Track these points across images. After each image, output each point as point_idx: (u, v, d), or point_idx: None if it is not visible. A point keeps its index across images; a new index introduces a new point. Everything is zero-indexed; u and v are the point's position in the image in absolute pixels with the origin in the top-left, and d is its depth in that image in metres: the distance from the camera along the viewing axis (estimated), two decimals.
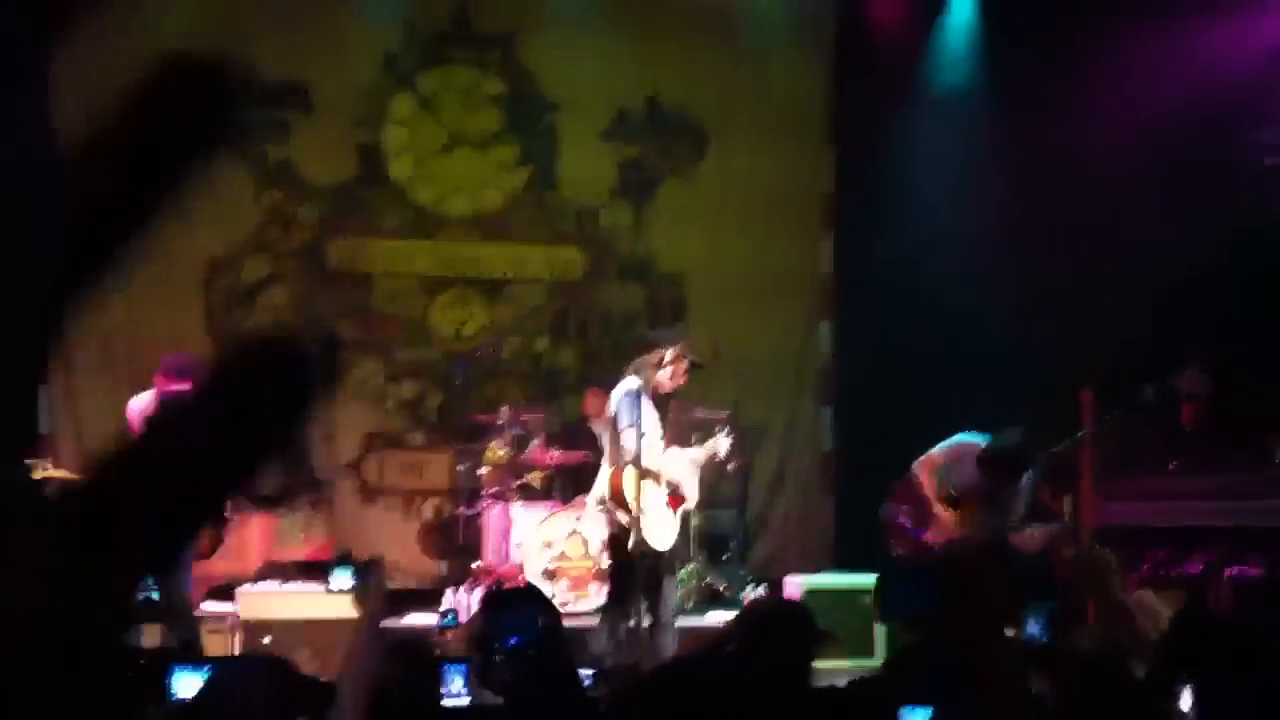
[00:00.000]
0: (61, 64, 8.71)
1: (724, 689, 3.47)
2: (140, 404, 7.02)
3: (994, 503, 6.89)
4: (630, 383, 6.09)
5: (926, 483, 7.00)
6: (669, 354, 6.17)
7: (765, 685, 3.44)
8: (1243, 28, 8.37)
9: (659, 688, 3.50)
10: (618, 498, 6.02)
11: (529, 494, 8.24)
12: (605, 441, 6.34)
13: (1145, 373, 7.70)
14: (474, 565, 8.01)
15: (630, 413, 5.97)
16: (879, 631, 7.37)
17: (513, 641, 3.29)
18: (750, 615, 4.11)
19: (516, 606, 3.45)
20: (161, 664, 3.60)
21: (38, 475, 7.32)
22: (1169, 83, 8.17)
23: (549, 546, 7.80)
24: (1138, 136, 8.26)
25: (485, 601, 3.46)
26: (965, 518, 6.92)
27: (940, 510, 6.95)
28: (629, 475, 5.95)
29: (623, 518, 6.02)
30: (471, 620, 6.63)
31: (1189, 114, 8.14)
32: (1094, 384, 7.93)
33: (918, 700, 3.23)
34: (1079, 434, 7.74)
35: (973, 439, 7.02)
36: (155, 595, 5.69)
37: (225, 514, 7.16)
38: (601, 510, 6.30)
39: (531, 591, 3.50)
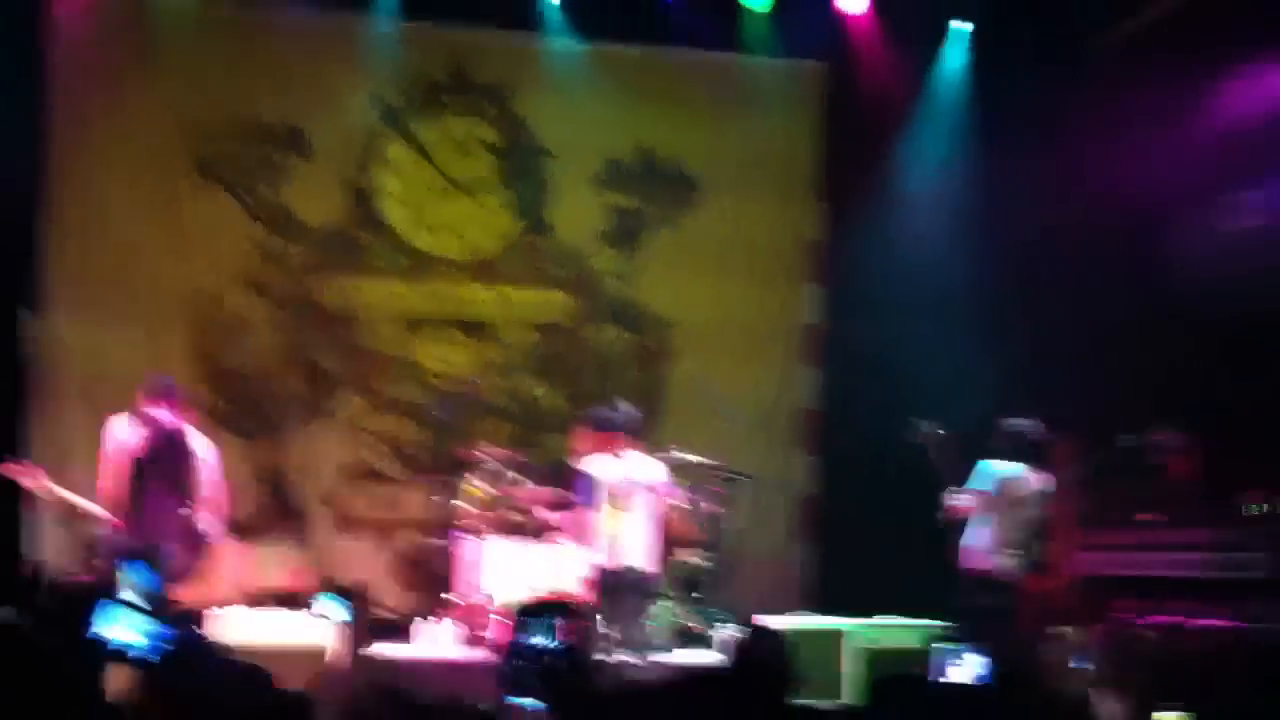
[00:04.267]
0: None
1: (715, 704, 3.54)
2: (119, 426, 7.13)
3: None
4: None
5: None
6: None
7: (751, 704, 3.50)
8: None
9: (662, 697, 3.54)
10: None
11: (504, 528, 8.28)
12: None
13: (1122, 429, 7.75)
14: (444, 596, 8.05)
15: None
16: (846, 674, 7.39)
17: (537, 647, 3.36)
18: (747, 643, 4.21)
19: (543, 615, 3.52)
20: None
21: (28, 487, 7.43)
22: (1152, 150, 8.24)
23: (522, 580, 7.83)
24: (1122, 201, 8.34)
25: (518, 610, 3.55)
26: None
27: None
28: None
29: None
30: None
31: (1169, 181, 8.21)
32: (1072, 437, 7.97)
33: None
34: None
35: None
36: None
37: (203, 540, 7.23)
38: None
39: (559, 604, 3.59)
